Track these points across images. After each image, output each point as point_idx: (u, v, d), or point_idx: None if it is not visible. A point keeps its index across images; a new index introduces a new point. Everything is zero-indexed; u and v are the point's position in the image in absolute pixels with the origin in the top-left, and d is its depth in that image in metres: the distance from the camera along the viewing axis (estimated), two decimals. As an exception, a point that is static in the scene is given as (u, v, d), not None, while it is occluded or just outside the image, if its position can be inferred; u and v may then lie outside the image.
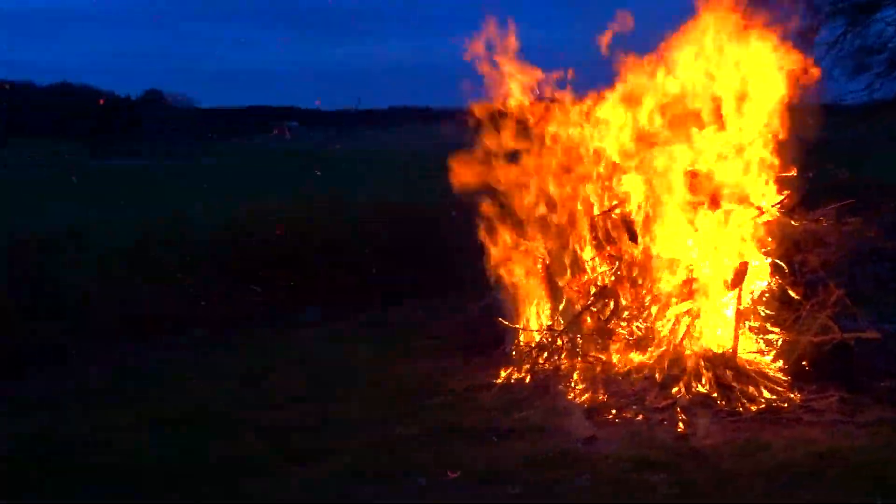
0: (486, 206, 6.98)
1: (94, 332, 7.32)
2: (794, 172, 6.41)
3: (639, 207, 6.46)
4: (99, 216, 9.84)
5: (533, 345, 6.49)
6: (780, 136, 6.34)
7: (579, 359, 6.10)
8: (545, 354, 6.34)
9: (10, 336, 6.71)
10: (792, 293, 6.06)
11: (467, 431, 5.10)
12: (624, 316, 6.39)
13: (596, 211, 6.72)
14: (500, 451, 4.79)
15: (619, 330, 6.32)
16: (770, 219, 6.24)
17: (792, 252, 6.18)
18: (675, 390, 5.55)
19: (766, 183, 6.34)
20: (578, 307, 6.51)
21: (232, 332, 7.90)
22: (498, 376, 6.15)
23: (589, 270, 6.64)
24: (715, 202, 6.17)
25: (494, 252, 6.92)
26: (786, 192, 6.33)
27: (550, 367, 6.10)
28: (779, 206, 6.30)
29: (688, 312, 6.01)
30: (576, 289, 6.67)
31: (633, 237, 6.40)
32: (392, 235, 9.55)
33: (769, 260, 6.18)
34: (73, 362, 6.92)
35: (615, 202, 6.63)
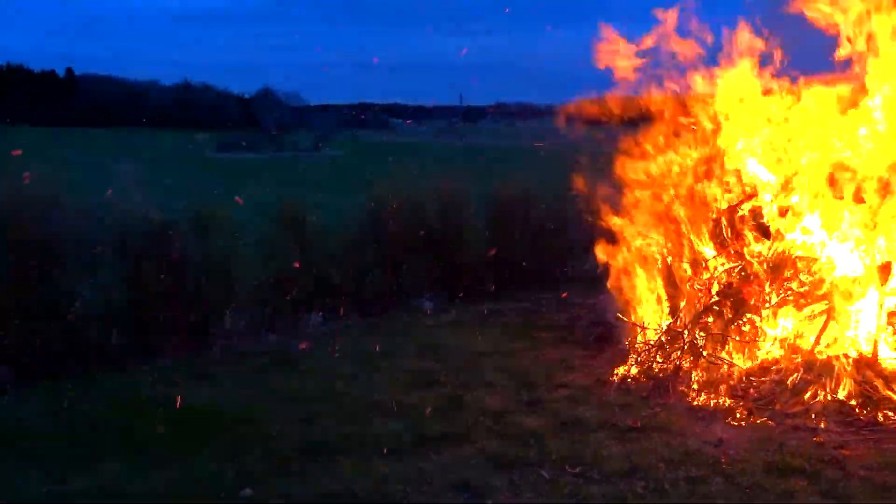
0: (606, 202, 6.86)
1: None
2: None
3: (772, 201, 6.13)
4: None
5: (651, 343, 6.28)
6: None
7: (701, 359, 5.84)
8: (662, 354, 6.12)
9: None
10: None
11: (594, 426, 5.04)
12: (749, 316, 6.09)
13: (723, 206, 6.43)
14: (632, 448, 4.69)
15: (745, 329, 6.03)
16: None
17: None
18: (807, 395, 5.25)
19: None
20: (700, 306, 6.25)
21: (360, 314, 8.18)
22: (615, 373, 6.00)
23: (711, 268, 6.35)
24: (859, 197, 5.77)
25: (613, 248, 6.77)
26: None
27: (670, 367, 5.88)
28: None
29: (823, 313, 5.66)
30: (697, 287, 6.41)
31: (766, 233, 6.08)
32: (512, 227, 9.58)
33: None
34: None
35: (743, 196, 6.32)
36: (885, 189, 5.70)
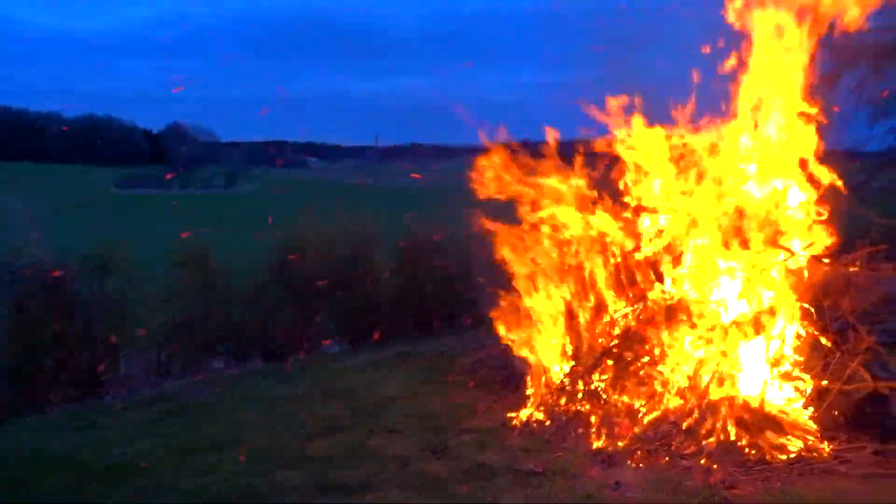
0: (511, 245, 6.98)
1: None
2: (826, 216, 6.34)
3: (666, 248, 6.40)
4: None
5: (554, 386, 6.39)
6: (813, 180, 6.30)
7: (601, 402, 5.97)
8: (564, 397, 6.24)
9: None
10: (822, 339, 5.94)
11: (498, 471, 5.06)
12: (646, 360, 6.29)
13: (618, 251, 6.67)
14: (534, 493, 4.73)
15: (643, 374, 6.22)
16: (800, 262, 6.15)
17: (822, 297, 6.07)
18: (701, 437, 5.43)
19: (799, 226, 6.27)
20: (600, 350, 6.42)
21: (265, 360, 7.99)
22: (520, 417, 6.06)
23: (611, 312, 6.55)
24: (745, 244, 6.09)
25: (519, 292, 6.89)
26: (817, 236, 6.24)
27: (572, 410, 5.99)
28: (808, 249, 6.21)
29: (715, 357, 5.89)
30: (598, 331, 6.59)
31: (659, 278, 6.33)
32: (424, 268, 9.63)
33: (800, 304, 6.07)
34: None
35: (641, 242, 6.58)
36: (768, 236, 6.04)
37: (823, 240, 6.16)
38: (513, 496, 4.69)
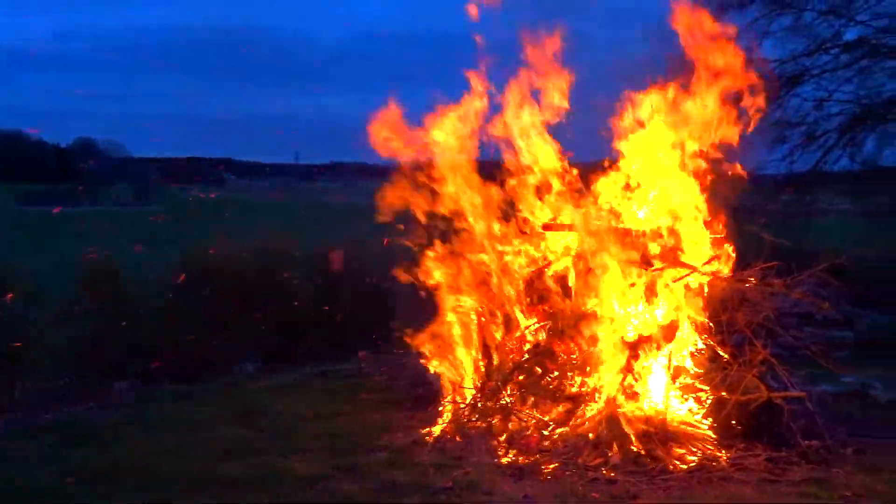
0: (425, 263, 7.06)
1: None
2: (723, 235, 6.66)
3: (573, 264, 6.59)
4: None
5: (465, 402, 6.47)
6: (712, 201, 6.61)
7: (511, 416, 6.08)
8: (475, 412, 6.33)
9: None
10: (720, 352, 6.21)
11: (408, 489, 5.05)
12: (555, 375, 6.44)
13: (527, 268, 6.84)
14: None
15: (552, 388, 6.35)
16: (700, 279, 6.43)
17: (720, 312, 6.36)
18: (607, 449, 5.58)
19: (697, 244, 6.57)
20: (510, 365, 6.53)
21: (174, 381, 7.77)
22: (432, 433, 6.10)
23: (521, 328, 6.69)
24: (647, 261, 6.34)
25: (434, 308, 6.96)
26: (714, 253, 6.55)
27: (482, 425, 6.07)
28: (707, 266, 6.51)
29: (620, 370, 6.08)
30: (509, 346, 6.72)
31: (567, 294, 6.50)
32: (341, 286, 9.58)
33: (699, 319, 6.35)
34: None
35: (548, 259, 6.76)
36: (667, 253, 6.32)
37: (722, 258, 6.47)
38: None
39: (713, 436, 5.75)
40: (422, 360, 7.27)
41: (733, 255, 6.57)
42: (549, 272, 6.71)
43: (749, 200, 10.39)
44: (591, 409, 5.92)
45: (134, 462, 5.57)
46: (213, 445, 5.95)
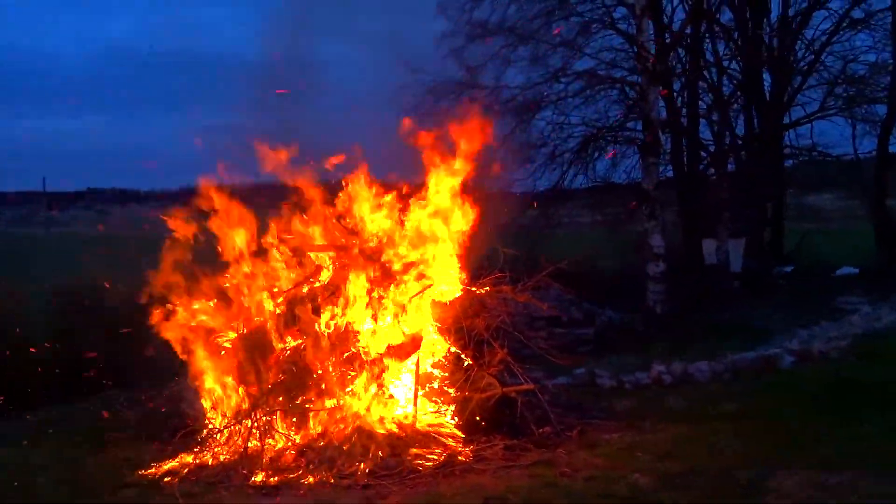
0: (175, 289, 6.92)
1: None
2: (462, 251, 7.22)
3: (325, 285, 6.81)
4: None
5: (219, 427, 6.43)
6: (458, 217, 7.14)
7: (267, 436, 6.14)
8: (230, 436, 6.30)
9: None
10: (463, 356, 6.72)
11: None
12: (311, 392, 6.56)
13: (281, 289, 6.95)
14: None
15: (308, 406, 6.48)
16: (442, 290, 6.93)
17: (462, 319, 6.89)
18: (360, 457, 5.83)
19: (441, 260, 7.06)
20: (267, 385, 6.58)
21: None
22: (185, 462, 5.98)
23: (277, 348, 6.77)
24: (388, 275, 6.72)
25: (181, 336, 6.83)
26: (453, 267, 7.09)
27: (239, 447, 6.07)
28: (448, 281, 7.02)
29: (370, 381, 6.37)
30: (267, 368, 6.75)
31: (316, 311, 6.70)
32: (82, 322, 8.95)
33: (443, 327, 6.82)
34: None
35: (302, 279, 6.92)
36: (409, 268, 6.76)
37: (457, 271, 7.03)
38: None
39: (460, 434, 6.22)
40: (179, 390, 7.09)
41: (470, 267, 7.14)
42: (304, 290, 6.86)
43: (500, 217, 11.23)
44: (344, 422, 6.13)
45: None
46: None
